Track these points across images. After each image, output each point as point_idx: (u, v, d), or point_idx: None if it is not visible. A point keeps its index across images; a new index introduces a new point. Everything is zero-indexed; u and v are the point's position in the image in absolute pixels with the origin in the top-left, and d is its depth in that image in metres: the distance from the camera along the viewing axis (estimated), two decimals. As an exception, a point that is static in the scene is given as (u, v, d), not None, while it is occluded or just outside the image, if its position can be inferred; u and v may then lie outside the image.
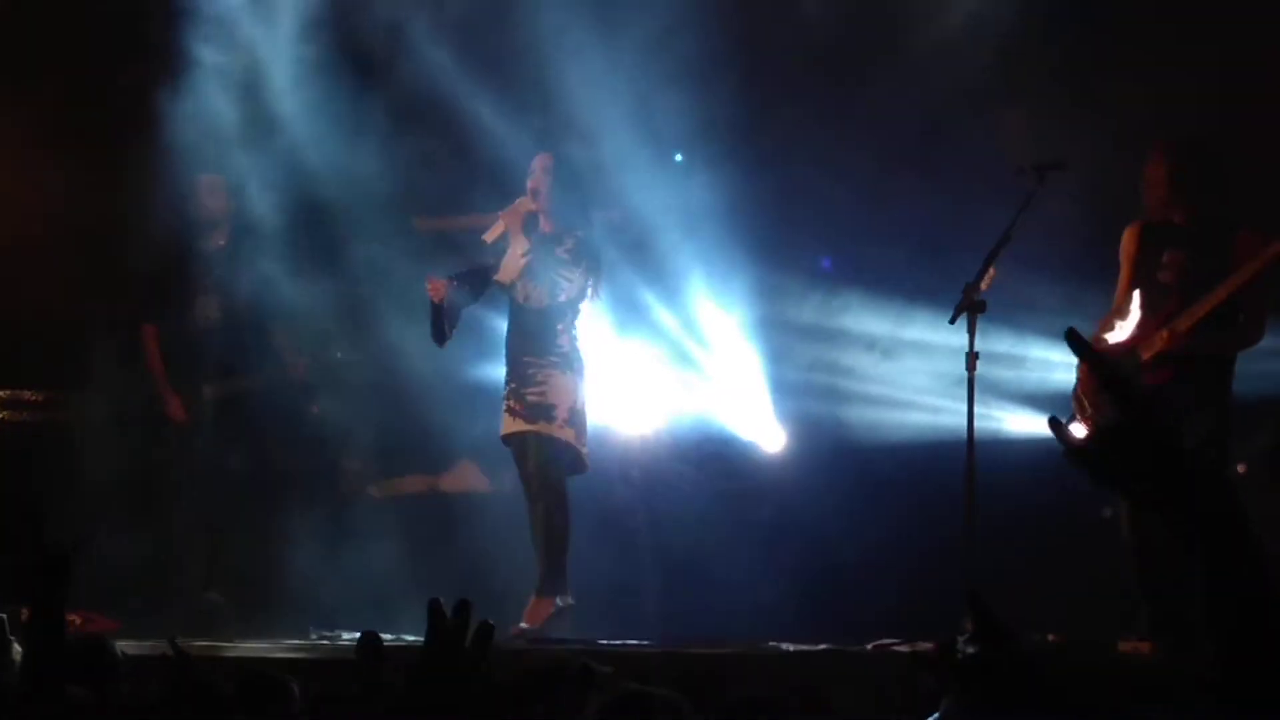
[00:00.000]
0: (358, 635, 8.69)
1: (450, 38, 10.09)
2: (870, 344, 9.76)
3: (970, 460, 7.89)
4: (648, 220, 10.02)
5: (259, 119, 10.17)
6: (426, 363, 10.09)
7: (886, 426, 9.73)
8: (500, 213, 8.65)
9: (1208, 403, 7.76)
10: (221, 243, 9.79)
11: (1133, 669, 7.44)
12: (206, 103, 9.94)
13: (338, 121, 10.29)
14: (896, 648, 7.69)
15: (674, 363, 9.97)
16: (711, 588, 9.20)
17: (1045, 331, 9.31)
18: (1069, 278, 9.18)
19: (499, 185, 9.32)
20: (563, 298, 8.56)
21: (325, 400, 10.17)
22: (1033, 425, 9.32)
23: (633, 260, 9.84)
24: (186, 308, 9.71)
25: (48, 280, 10.45)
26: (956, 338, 8.09)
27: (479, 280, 8.75)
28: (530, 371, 8.59)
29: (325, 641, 8.82)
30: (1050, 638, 8.04)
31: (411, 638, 8.79)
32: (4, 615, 5.12)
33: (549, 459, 8.59)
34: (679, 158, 10.28)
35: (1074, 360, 8.86)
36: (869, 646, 7.88)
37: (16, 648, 5.23)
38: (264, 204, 9.94)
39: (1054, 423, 2.22)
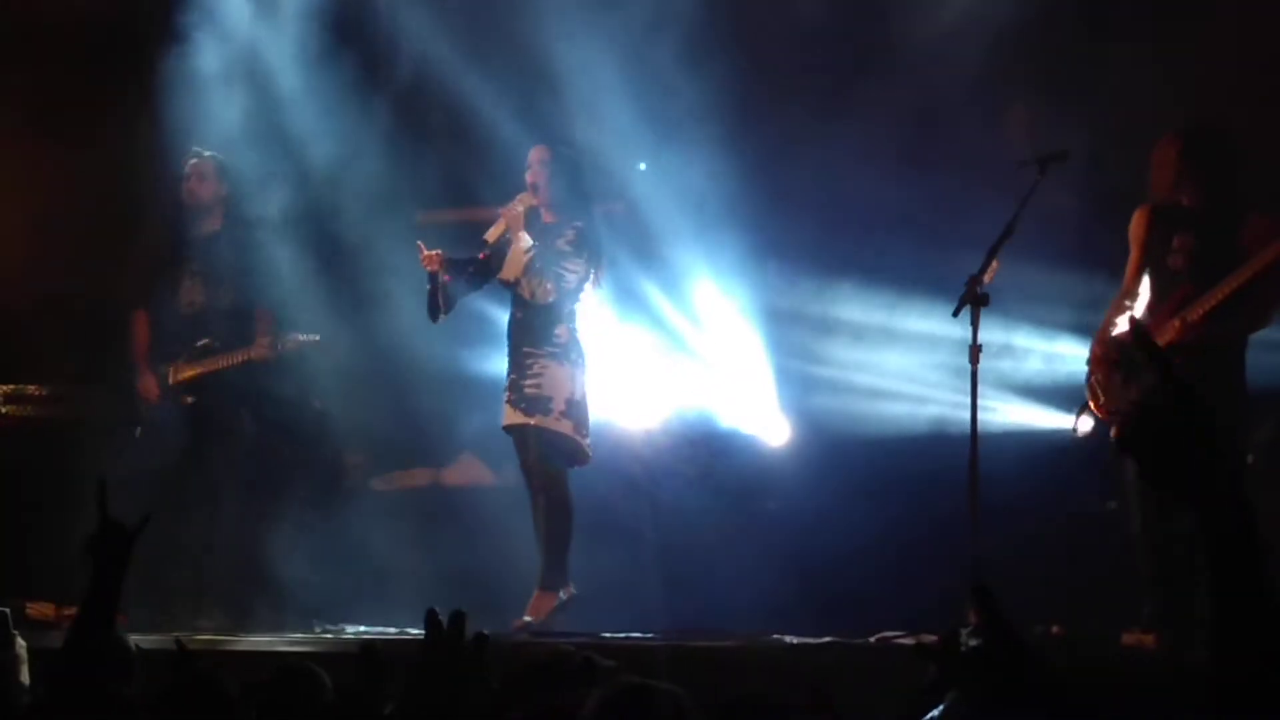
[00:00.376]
0: (361, 629, 8.75)
1: (449, 26, 10.08)
2: (877, 335, 9.74)
3: (974, 453, 7.88)
4: (648, 211, 10.00)
5: (259, 105, 10.13)
6: (429, 355, 10.10)
7: (889, 419, 9.72)
8: (501, 210, 8.66)
9: (1219, 390, 7.75)
10: (215, 227, 9.70)
11: (1135, 662, 7.44)
12: (204, 87, 9.90)
13: (339, 113, 10.28)
14: (900, 640, 7.69)
15: (676, 354, 9.95)
16: (715, 581, 9.20)
17: (1043, 322, 9.30)
18: (1066, 267, 9.18)
19: (499, 177, 9.32)
20: (567, 290, 8.57)
21: (313, 387, 10.13)
22: (1035, 417, 9.31)
23: (634, 251, 9.83)
24: (173, 294, 9.65)
25: (53, 270, 10.46)
26: (959, 330, 8.09)
27: (479, 268, 8.75)
28: (528, 363, 8.60)
29: (329, 635, 8.82)
30: (1053, 630, 8.04)
31: (415, 631, 8.80)
32: (6, 610, 5.12)
33: (548, 452, 8.60)
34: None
35: (1077, 352, 8.93)
36: (872, 639, 7.88)
37: (21, 642, 5.24)
38: (265, 190, 9.91)
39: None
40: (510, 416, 8.65)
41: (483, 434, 9.66)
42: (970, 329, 7.86)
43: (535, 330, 8.62)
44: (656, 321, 9.99)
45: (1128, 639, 7.78)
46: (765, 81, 9.98)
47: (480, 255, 8.75)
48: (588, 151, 9.33)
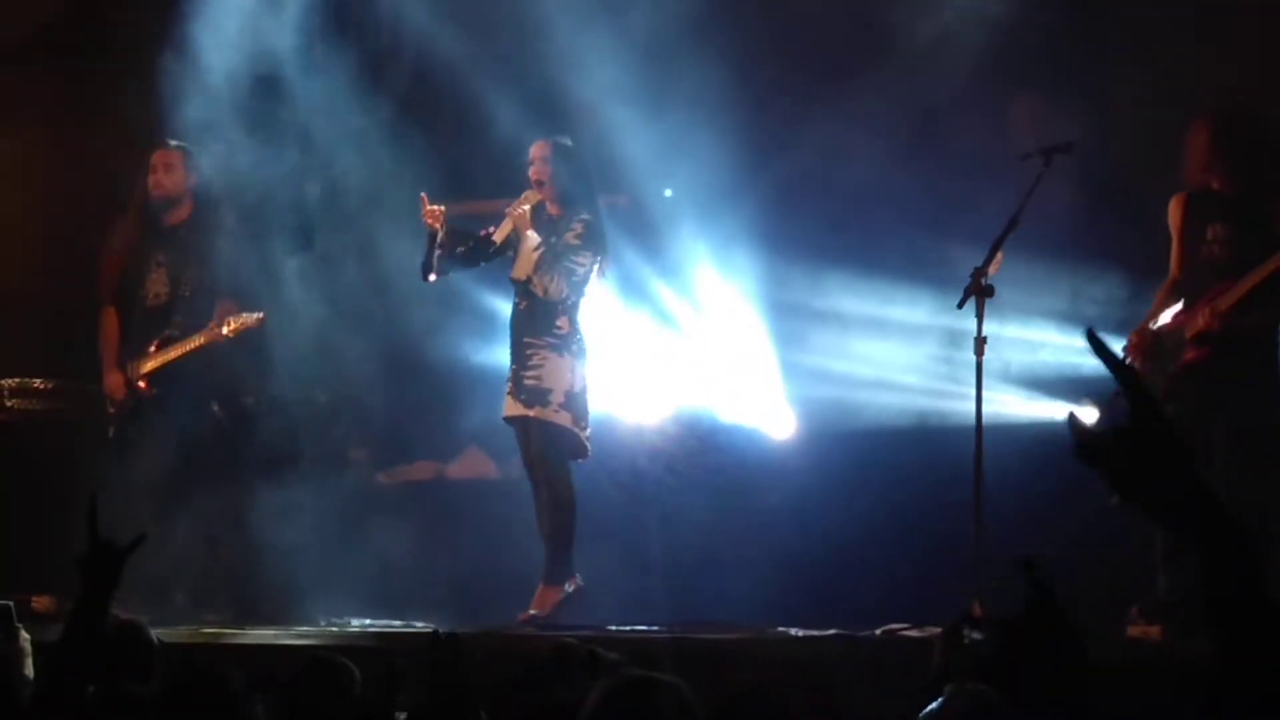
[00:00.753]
0: (366, 622, 8.76)
1: (450, 18, 10.06)
2: (881, 327, 9.72)
3: (979, 445, 7.88)
4: (652, 203, 9.99)
5: (258, 97, 10.09)
6: (434, 349, 10.10)
7: (894, 411, 9.71)
8: (507, 210, 8.66)
9: (1251, 379, 7.75)
10: (182, 218, 9.60)
11: (1140, 654, 7.44)
12: (204, 77, 9.86)
13: (340, 103, 10.27)
14: (906, 633, 7.69)
15: (679, 347, 9.94)
16: (719, 574, 9.19)
17: (1050, 315, 9.29)
18: (1070, 260, 9.19)
19: (501, 168, 9.31)
20: (576, 284, 8.58)
21: (318, 380, 10.11)
22: (1042, 410, 9.31)
23: (638, 243, 9.81)
24: (139, 287, 9.58)
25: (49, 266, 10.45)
26: (964, 321, 8.09)
27: (477, 244, 8.75)
28: (528, 353, 8.61)
29: (334, 628, 8.83)
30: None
31: (421, 625, 8.81)
32: (10, 604, 5.13)
33: (548, 445, 8.60)
34: (668, 193, 10.24)
35: (1075, 343, 8.93)
36: (878, 632, 7.88)
37: (25, 635, 5.25)
38: (260, 181, 9.86)
39: (1072, 420, 2.20)
40: (511, 408, 8.66)
41: (487, 427, 9.65)
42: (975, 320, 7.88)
43: (537, 321, 8.62)
44: (660, 314, 9.98)
45: (1133, 631, 7.77)
46: (765, 70, 9.95)
47: (482, 233, 8.75)
48: (589, 142, 9.31)
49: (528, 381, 8.58)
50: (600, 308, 9.03)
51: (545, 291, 8.56)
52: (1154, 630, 7.67)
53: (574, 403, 8.58)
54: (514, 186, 8.86)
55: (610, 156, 9.70)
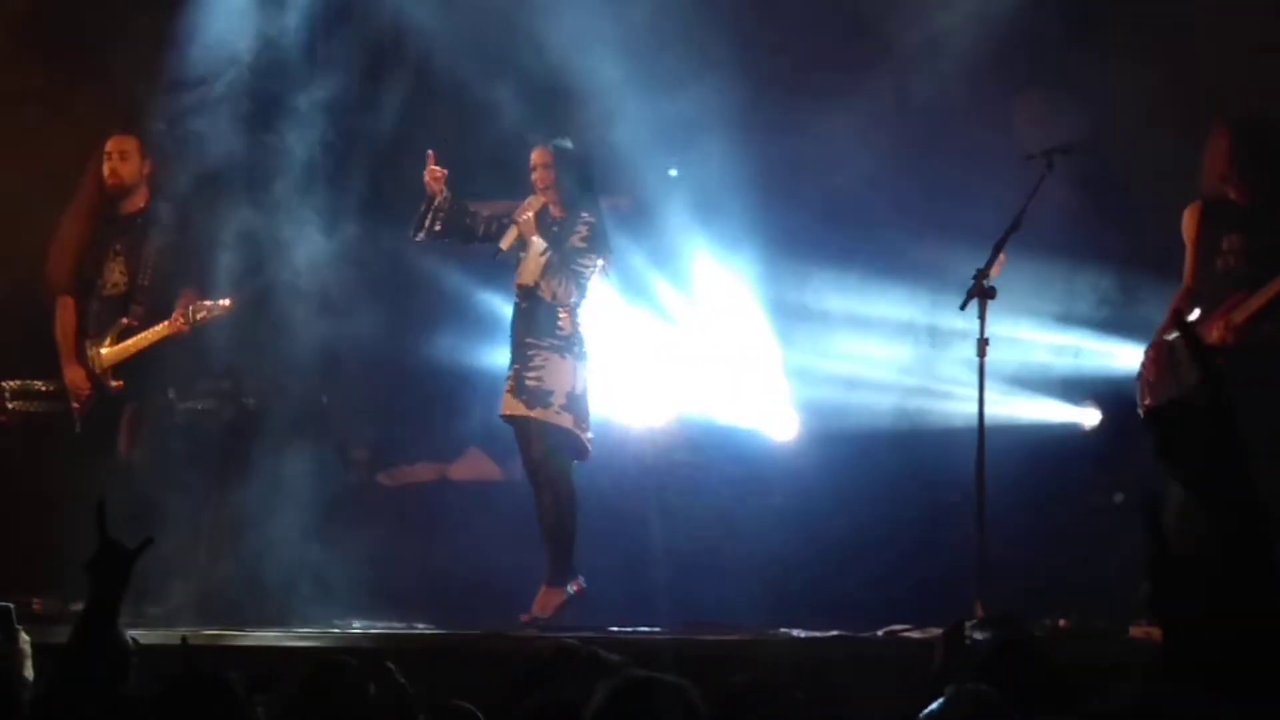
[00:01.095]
0: (368, 624, 8.75)
1: (450, 13, 10.06)
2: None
3: (981, 446, 7.88)
4: (655, 203, 9.97)
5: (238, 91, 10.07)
6: (435, 349, 10.09)
7: (894, 412, 9.71)
8: (513, 218, 8.65)
9: (1266, 387, 7.73)
10: (139, 206, 9.50)
11: (1143, 654, 7.43)
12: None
13: (344, 97, 10.27)
14: (908, 634, 7.69)
15: (681, 348, 9.93)
16: (722, 575, 9.19)
17: (1052, 315, 9.28)
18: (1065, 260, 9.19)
19: (505, 169, 9.31)
20: (586, 285, 8.60)
21: (320, 381, 10.11)
22: (1043, 411, 9.30)
23: (639, 245, 9.80)
24: (97, 276, 9.49)
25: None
26: (966, 322, 8.08)
27: (474, 220, 8.75)
28: (530, 354, 8.61)
29: (335, 630, 8.82)
30: (1061, 623, 8.03)
31: (423, 626, 8.81)
32: (10, 605, 5.12)
33: (550, 447, 8.60)
34: (673, 172, 10.23)
35: (1099, 346, 8.93)
36: (880, 633, 7.88)
37: (25, 636, 5.24)
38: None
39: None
40: (510, 406, 8.66)
41: (489, 428, 9.65)
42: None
43: (539, 321, 8.62)
44: (662, 314, 9.97)
45: (1136, 631, 7.77)
46: (767, 71, 9.94)
47: (485, 212, 8.75)
48: (591, 145, 9.30)
49: (529, 382, 8.58)
50: (603, 308, 9.03)
51: (554, 295, 8.56)
52: (1156, 631, 7.64)
53: (575, 404, 8.59)
54: (516, 186, 8.86)
55: (611, 152, 9.68)
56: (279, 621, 8.85)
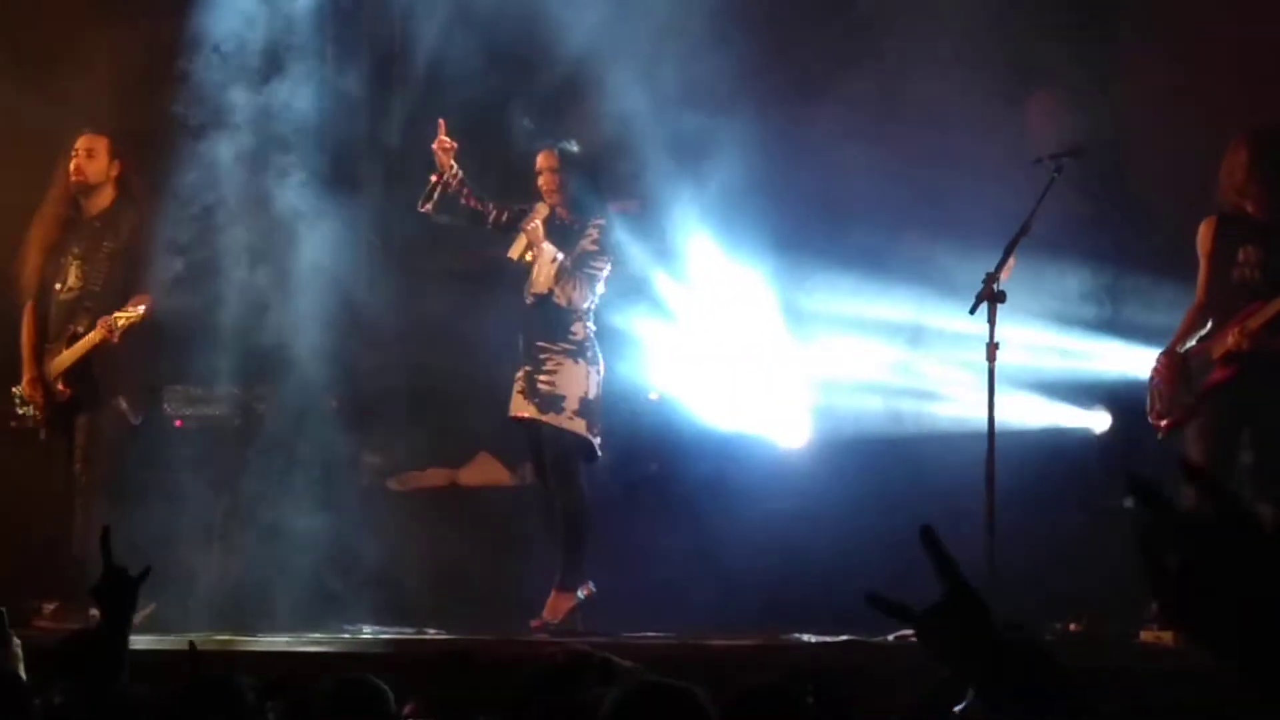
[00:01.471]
0: (379, 629, 8.76)
1: (458, 18, 10.06)
2: (892, 332, 9.71)
3: (991, 450, 7.87)
4: (665, 207, 9.96)
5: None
6: (446, 354, 10.09)
7: (906, 416, 9.70)
8: (521, 227, 8.64)
9: (1278, 395, 7.72)
10: (103, 206, 9.34)
11: (1153, 658, 7.43)
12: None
13: (354, 105, 10.28)
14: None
15: (690, 352, 9.91)
16: (733, 579, 9.19)
17: (1061, 319, 9.27)
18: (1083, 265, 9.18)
19: (515, 173, 9.32)
20: (600, 288, 8.61)
21: (330, 386, 10.11)
22: (1053, 415, 9.29)
23: (649, 248, 9.79)
24: (56, 279, 9.31)
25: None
26: (975, 326, 8.08)
27: (483, 205, 8.74)
28: (543, 358, 8.62)
29: (346, 636, 8.83)
30: (1071, 627, 8.03)
31: (434, 632, 8.81)
32: (3, 609, 5.13)
33: (562, 453, 8.61)
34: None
35: (1104, 353, 8.92)
36: (890, 638, 7.87)
37: (16, 640, 5.25)
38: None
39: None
40: (522, 408, 8.66)
41: (499, 433, 9.65)
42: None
43: (551, 325, 8.63)
44: (671, 319, 9.95)
45: (1146, 635, 7.76)
46: (770, 71, 9.93)
47: (490, 205, 8.75)
48: (598, 146, 9.30)
49: (542, 386, 8.58)
50: (612, 305, 9.05)
51: (569, 301, 8.57)
52: (1167, 636, 7.66)
53: (588, 409, 8.60)
54: (522, 193, 8.86)
55: (619, 156, 9.68)
56: (290, 627, 8.86)
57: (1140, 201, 9.38)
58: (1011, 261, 8.00)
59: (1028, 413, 9.20)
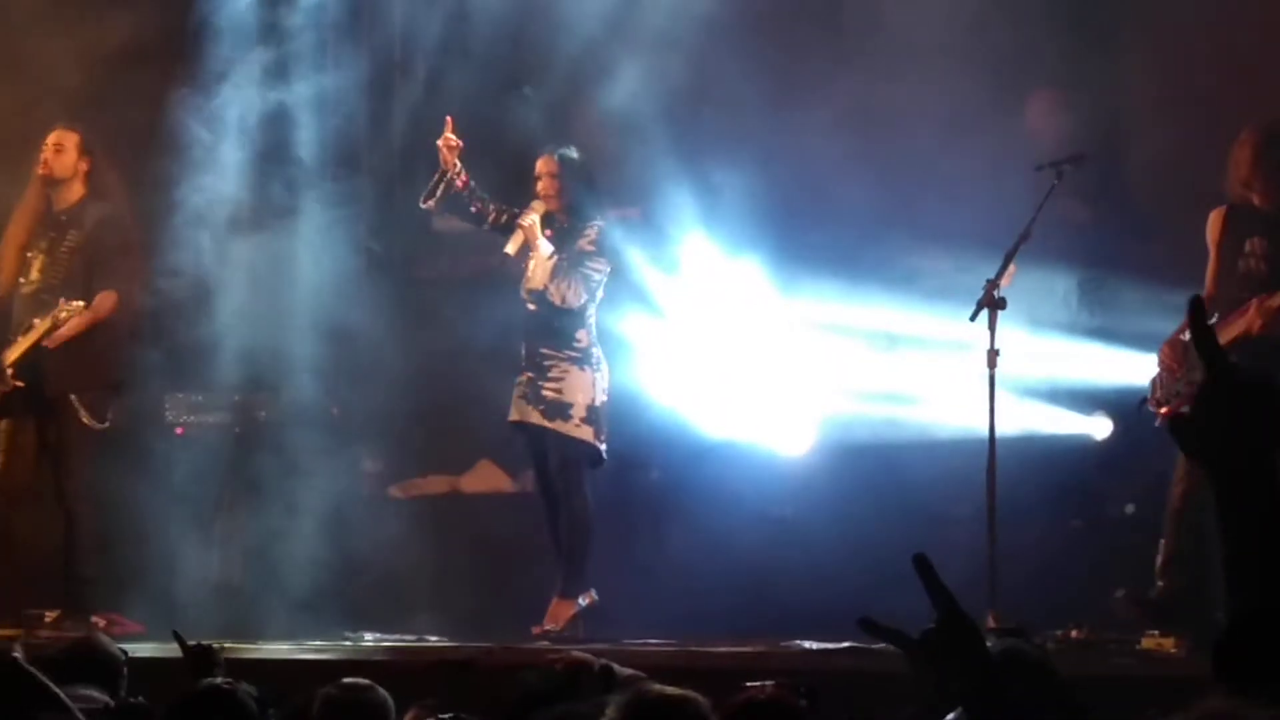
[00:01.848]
0: (380, 636, 8.75)
1: (458, 26, 10.07)
2: (889, 340, 9.71)
3: (992, 456, 7.88)
4: (665, 214, 9.96)
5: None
6: (448, 361, 10.09)
7: (907, 423, 9.69)
8: (518, 222, 8.65)
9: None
10: (71, 201, 9.27)
11: (1154, 665, 7.44)
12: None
13: (355, 114, 10.29)
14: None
15: (694, 360, 9.91)
16: (734, 587, 9.19)
17: (1061, 325, 9.28)
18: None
19: (517, 183, 9.32)
20: (593, 291, 8.60)
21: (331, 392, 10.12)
22: (1054, 421, 9.29)
23: (651, 254, 9.79)
24: (22, 273, 9.25)
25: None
26: (976, 334, 8.08)
27: (484, 208, 8.74)
28: (547, 364, 8.61)
29: (348, 643, 8.83)
30: (1074, 634, 8.03)
31: (435, 639, 8.81)
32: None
33: (567, 460, 8.61)
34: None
35: (1105, 359, 8.93)
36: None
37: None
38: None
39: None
40: (523, 412, 8.66)
41: (501, 440, 9.65)
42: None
43: (554, 331, 8.63)
44: (672, 326, 9.95)
45: (1147, 642, 7.76)
46: (772, 73, 9.93)
47: (491, 205, 8.75)
48: (599, 152, 9.30)
49: (547, 393, 8.58)
50: (613, 318, 9.06)
51: (564, 299, 8.56)
52: (1167, 643, 7.66)
53: (594, 416, 8.60)
54: (524, 197, 8.87)
55: (620, 162, 9.69)
56: (291, 635, 8.86)
57: (1139, 206, 9.38)
58: (1012, 268, 8.01)
59: (1028, 419, 9.19)
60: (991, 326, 7.94)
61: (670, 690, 3.47)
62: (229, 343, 9.69)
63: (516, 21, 9.96)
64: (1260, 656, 2.08)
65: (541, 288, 8.61)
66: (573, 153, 8.81)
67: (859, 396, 9.72)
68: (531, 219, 8.63)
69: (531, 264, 8.64)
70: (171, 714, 4.30)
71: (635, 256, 9.27)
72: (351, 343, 10.04)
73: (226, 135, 9.84)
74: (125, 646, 5.74)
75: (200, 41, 9.87)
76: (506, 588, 9.27)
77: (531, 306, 8.69)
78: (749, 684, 4.02)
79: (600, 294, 8.74)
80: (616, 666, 4.92)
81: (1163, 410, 8.05)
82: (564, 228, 8.70)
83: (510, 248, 8.65)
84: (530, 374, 8.65)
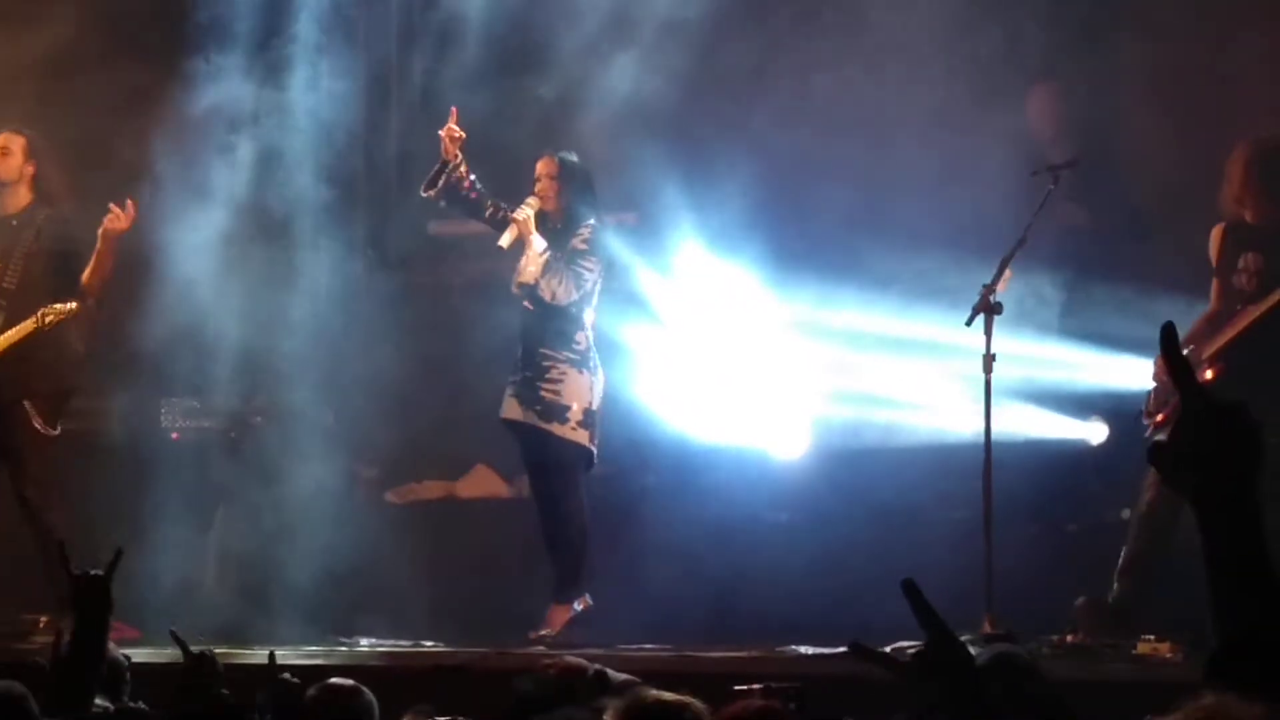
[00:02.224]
0: (375, 642, 8.75)
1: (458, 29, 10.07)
2: (889, 344, 9.70)
3: (988, 461, 7.88)
4: (662, 219, 9.96)
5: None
6: (442, 366, 10.09)
7: (902, 427, 9.70)
8: (512, 216, 8.66)
9: (1268, 391, 7.73)
10: (20, 205, 9.12)
11: (1149, 670, 7.44)
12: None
13: (351, 123, 10.28)
14: (914, 651, 7.66)
15: (689, 364, 9.91)
16: (730, 591, 9.19)
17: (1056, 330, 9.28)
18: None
19: (513, 186, 9.32)
20: (585, 290, 8.60)
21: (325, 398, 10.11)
22: (1050, 426, 9.29)
23: (645, 259, 9.79)
24: None
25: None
26: (972, 339, 8.09)
27: (482, 199, 8.74)
28: (545, 365, 8.61)
29: (343, 648, 8.82)
30: (1069, 639, 8.03)
31: (431, 644, 8.81)
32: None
33: (564, 463, 8.61)
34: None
35: (1104, 361, 8.93)
36: (888, 649, 7.86)
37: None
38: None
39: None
40: (516, 411, 8.65)
41: (497, 445, 9.65)
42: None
43: (552, 332, 8.63)
44: (669, 329, 9.95)
45: (1142, 647, 7.77)
46: (774, 73, 9.94)
47: (489, 199, 8.75)
48: (595, 159, 9.30)
49: (545, 394, 8.58)
50: (610, 323, 9.06)
51: (554, 295, 8.57)
52: (1163, 647, 7.66)
53: (590, 420, 8.61)
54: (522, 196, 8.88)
55: (618, 167, 9.69)
56: (287, 640, 8.85)
57: (1136, 211, 9.38)
58: (1008, 273, 8.02)
59: (1025, 423, 9.20)
60: (988, 331, 7.94)
61: (668, 696, 3.48)
62: (224, 348, 9.69)
63: (511, 27, 9.96)
64: (1251, 673, 2.10)
65: (533, 282, 8.61)
66: (572, 157, 8.84)
67: (854, 400, 9.72)
68: (526, 213, 8.63)
69: (523, 258, 8.65)
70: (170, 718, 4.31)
71: (631, 261, 9.28)
72: (347, 348, 10.04)
73: (222, 139, 9.83)
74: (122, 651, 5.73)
75: (196, 43, 9.87)
76: (502, 592, 9.27)
77: (527, 304, 8.69)
78: (738, 688, 4.02)
79: (595, 298, 8.74)
80: (611, 671, 4.93)
81: (1158, 418, 8.06)
82: (557, 229, 8.71)
83: (504, 241, 8.67)
84: (527, 374, 8.64)
